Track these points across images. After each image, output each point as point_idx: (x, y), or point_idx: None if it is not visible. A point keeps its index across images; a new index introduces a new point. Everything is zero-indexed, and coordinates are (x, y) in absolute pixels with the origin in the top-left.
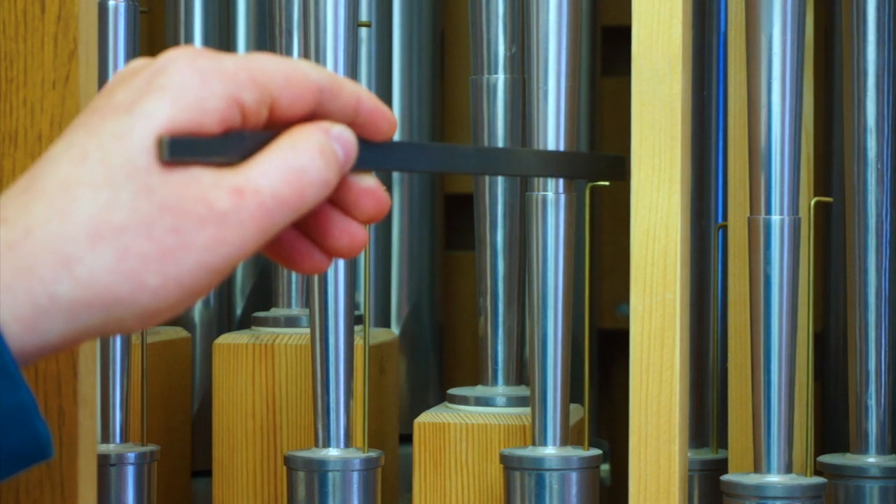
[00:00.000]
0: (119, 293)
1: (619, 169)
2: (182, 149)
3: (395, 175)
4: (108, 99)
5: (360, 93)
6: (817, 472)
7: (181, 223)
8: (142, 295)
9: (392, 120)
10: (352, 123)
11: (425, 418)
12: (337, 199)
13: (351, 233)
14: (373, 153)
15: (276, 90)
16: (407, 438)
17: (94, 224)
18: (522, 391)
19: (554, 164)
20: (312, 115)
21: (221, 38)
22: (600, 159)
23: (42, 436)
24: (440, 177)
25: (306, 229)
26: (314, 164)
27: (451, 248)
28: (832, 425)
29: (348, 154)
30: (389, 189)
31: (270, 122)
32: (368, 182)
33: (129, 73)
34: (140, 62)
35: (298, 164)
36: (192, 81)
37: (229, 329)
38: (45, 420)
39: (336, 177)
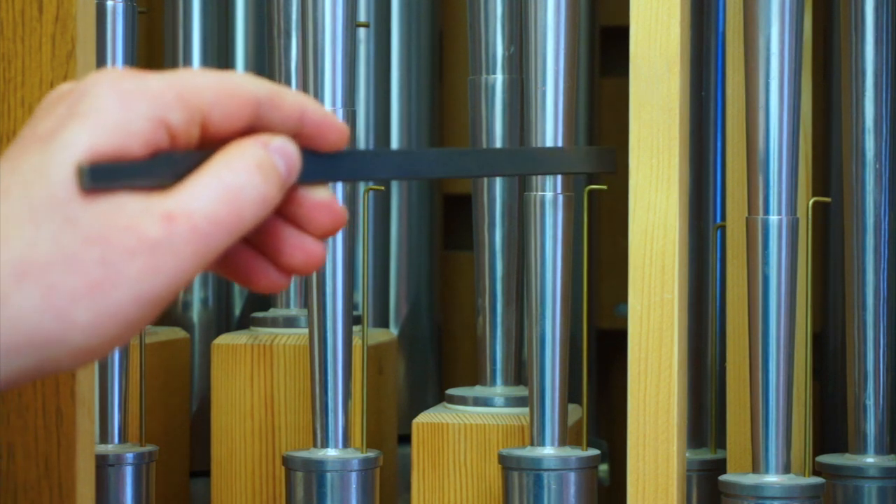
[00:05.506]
0: (48, 333)
1: (607, 161)
2: (104, 175)
3: None
4: (32, 129)
5: (305, 103)
6: (816, 473)
7: (109, 255)
8: (72, 333)
9: (342, 130)
10: (297, 135)
11: (424, 418)
12: (288, 214)
13: (306, 249)
14: (322, 164)
15: (207, 107)
16: (405, 439)
17: (18, 262)
18: (521, 391)
19: (529, 162)
20: (251, 130)
21: (220, 39)
22: (584, 153)
23: None
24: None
25: (260, 247)
26: (251, 180)
27: (449, 249)
28: (830, 425)
29: (290, 167)
30: (388, 189)
31: (205, 140)
32: (322, 195)
33: (54, 100)
34: (66, 87)
35: (234, 183)
36: (113, 104)
37: (228, 329)
38: None
39: (277, 192)
